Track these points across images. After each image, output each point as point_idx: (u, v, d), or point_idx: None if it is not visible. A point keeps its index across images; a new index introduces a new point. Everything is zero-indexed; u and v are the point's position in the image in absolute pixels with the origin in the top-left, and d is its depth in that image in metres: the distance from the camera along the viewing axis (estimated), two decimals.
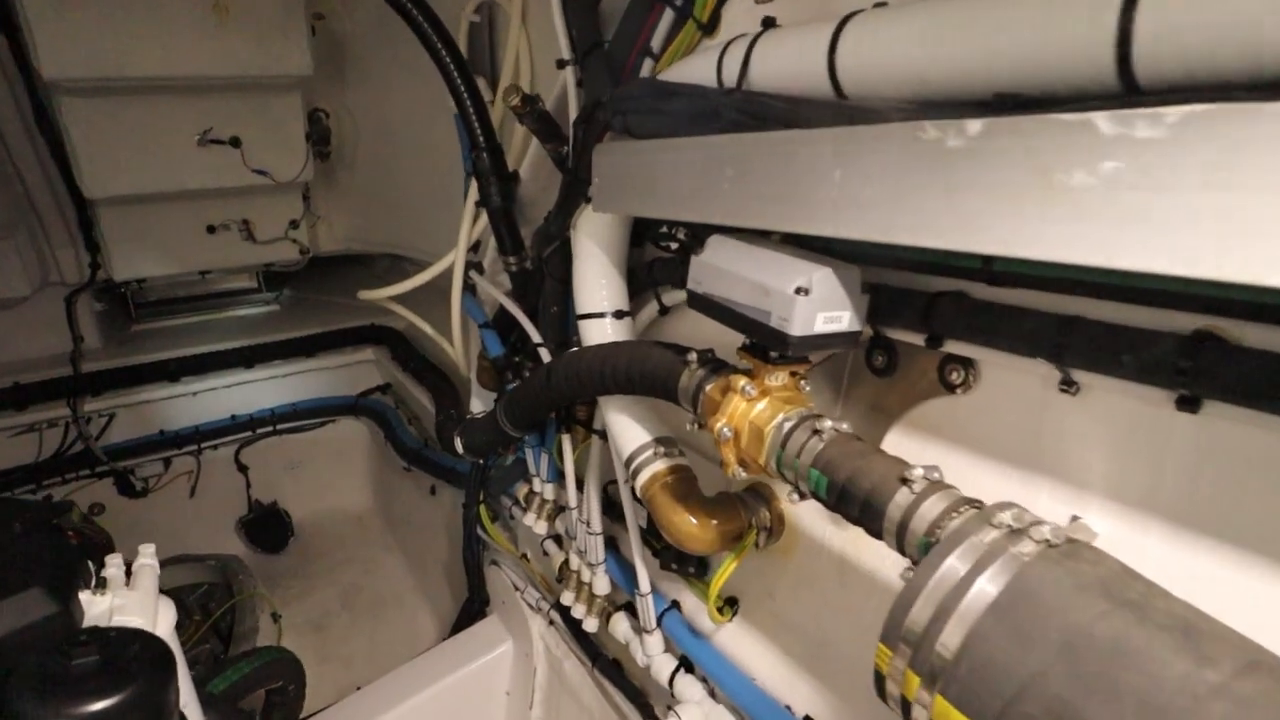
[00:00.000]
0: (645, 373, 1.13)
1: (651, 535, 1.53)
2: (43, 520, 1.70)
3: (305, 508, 3.78)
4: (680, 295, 1.40)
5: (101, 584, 1.18)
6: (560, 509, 1.93)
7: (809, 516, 1.23)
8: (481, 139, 1.80)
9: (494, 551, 2.33)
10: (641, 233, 1.45)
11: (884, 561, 1.08)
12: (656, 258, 1.43)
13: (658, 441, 1.31)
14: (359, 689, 2.10)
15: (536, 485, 1.96)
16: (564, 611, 1.86)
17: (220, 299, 4.21)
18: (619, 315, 1.40)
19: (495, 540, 2.27)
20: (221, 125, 3.06)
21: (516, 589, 2.15)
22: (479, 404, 2.31)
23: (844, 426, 0.86)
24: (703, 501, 1.24)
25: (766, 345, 0.91)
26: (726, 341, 1.21)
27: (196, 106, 2.99)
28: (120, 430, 3.39)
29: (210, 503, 3.61)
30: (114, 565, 1.30)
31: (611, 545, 1.73)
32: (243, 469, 3.65)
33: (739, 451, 0.94)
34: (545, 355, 1.73)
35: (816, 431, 0.86)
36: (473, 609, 2.38)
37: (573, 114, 1.43)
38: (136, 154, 2.97)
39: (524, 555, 2.20)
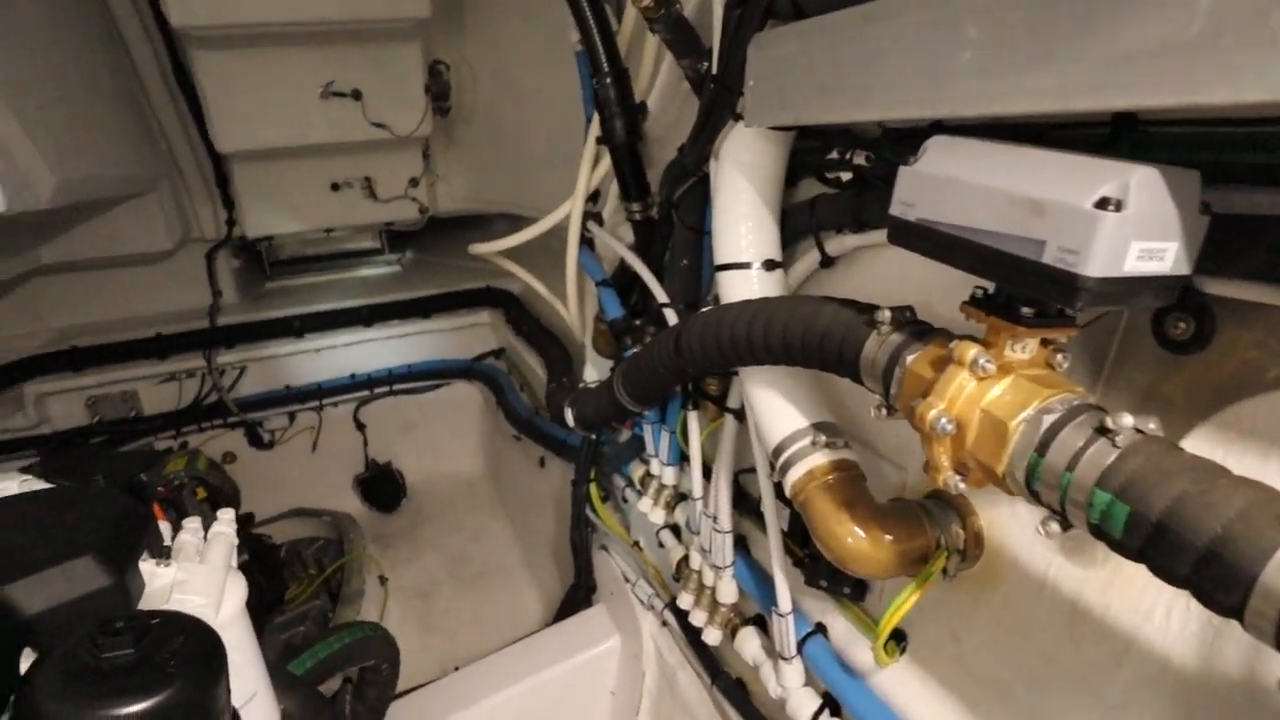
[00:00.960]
0: (811, 336, 0.84)
1: (795, 540, 1.24)
2: (127, 474, 1.63)
3: (418, 469, 3.74)
4: (850, 242, 1.10)
5: (165, 554, 1.03)
6: (681, 497, 1.68)
7: (1022, 538, 0.91)
8: (605, 62, 1.54)
9: (603, 535, 2.12)
10: (796, 169, 1.15)
11: (1163, 627, 0.75)
12: (820, 194, 1.13)
13: (816, 428, 1.02)
14: (457, 669, 1.95)
15: (655, 467, 1.71)
16: (680, 615, 1.62)
17: (346, 259, 4.24)
18: (769, 266, 1.11)
19: (605, 523, 2.06)
20: (343, 77, 2.98)
21: (627, 580, 1.93)
22: (594, 372, 2.09)
23: (1151, 426, 0.55)
24: (875, 511, 0.95)
25: (1030, 294, 0.61)
26: (923, 300, 0.91)
27: (319, 58, 2.92)
28: (250, 383, 3.44)
29: (330, 459, 3.63)
30: (189, 531, 1.16)
31: (742, 546, 1.46)
32: (360, 427, 3.65)
33: (961, 452, 0.64)
34: (672, 318, 1.47)
35: (1104, 431, 0.55)
36: (578, 595, 2.19)
37: (717, 19, 1.14)
38: (264, 108, 2.94)
39: (636, 543, 1.97)
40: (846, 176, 1.07)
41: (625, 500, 1.97)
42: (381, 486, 3.60)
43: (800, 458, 1.00)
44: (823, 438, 1.00)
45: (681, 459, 1.66)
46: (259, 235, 3.46)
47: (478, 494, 3.66)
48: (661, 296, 1.51)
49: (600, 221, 1.89)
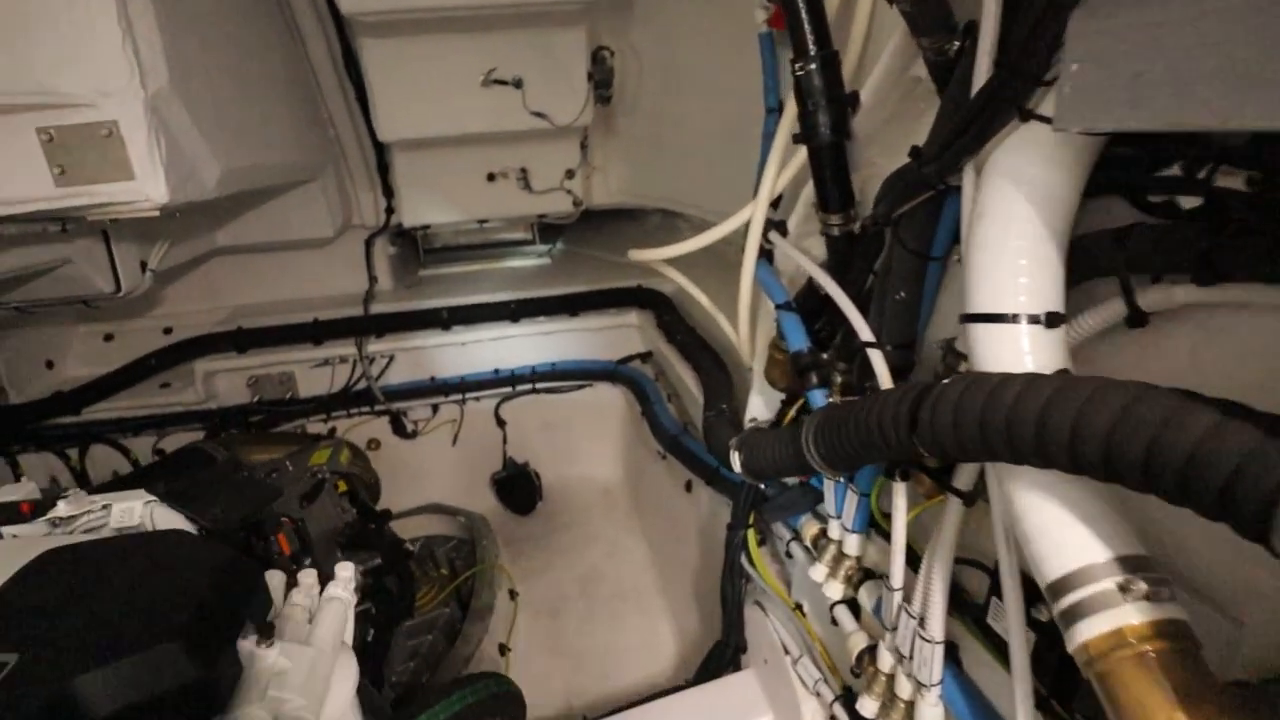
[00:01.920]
0: (1178, 455, 0.54)
1: (1044, 682, 0.93)
2: (251, 505, 1.53)
3: (555, 472, 3.63)
4: (1181, 295, 0.77)
5: (269, 632, 0.88)
6: (868, 574, 1.39)
7: None
8: (812, 43, 1.26)
9: (759, 590, 1.86)
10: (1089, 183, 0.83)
11: None
12: (1136, 224, 0.81)
13: (1124, 565, 0.71)
14: None
15: (834, 530, 1.43)
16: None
17: (497, 249, 4.20)
18: (1051, 321, 0.81)
19: (762, 576, 1.80)
20: (505, 65, 2.86)
21: (786, 652, 1.66)
22: (759, 404, 1.83)
23: None
24: (1227, 703, 0.63)
25: None
26: None
27: (482, 45, 2.81)
28: (398, 372, 3.45)
29: (469, 454, 3.59)
30: (303, 591, 1.01)
31: (953, 659, 1.16)
32: (500, 424, 3.58)
33: None
34: (878, 362, 1.18)
35: None
36: (725, 654, 1.95)
37: None
38: (426, 96, 2.87)
39: (798, 607, 1.70)
40: (1190, 203, 0.75)
41: (789, 555, 1.70)
42: (518, 487, 3.51)
43: (1100, 608, 0.70)
44: (1139, 583, 0.69)
45: (870, 527, 1.37)
46: (415, 224, 3.45)
47: (615, 505, 3.50)
48: (865, 333, 1.22)
49: (784, 232, 1.61)
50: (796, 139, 1.37)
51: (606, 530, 3.34)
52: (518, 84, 2.88)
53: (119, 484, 2.65)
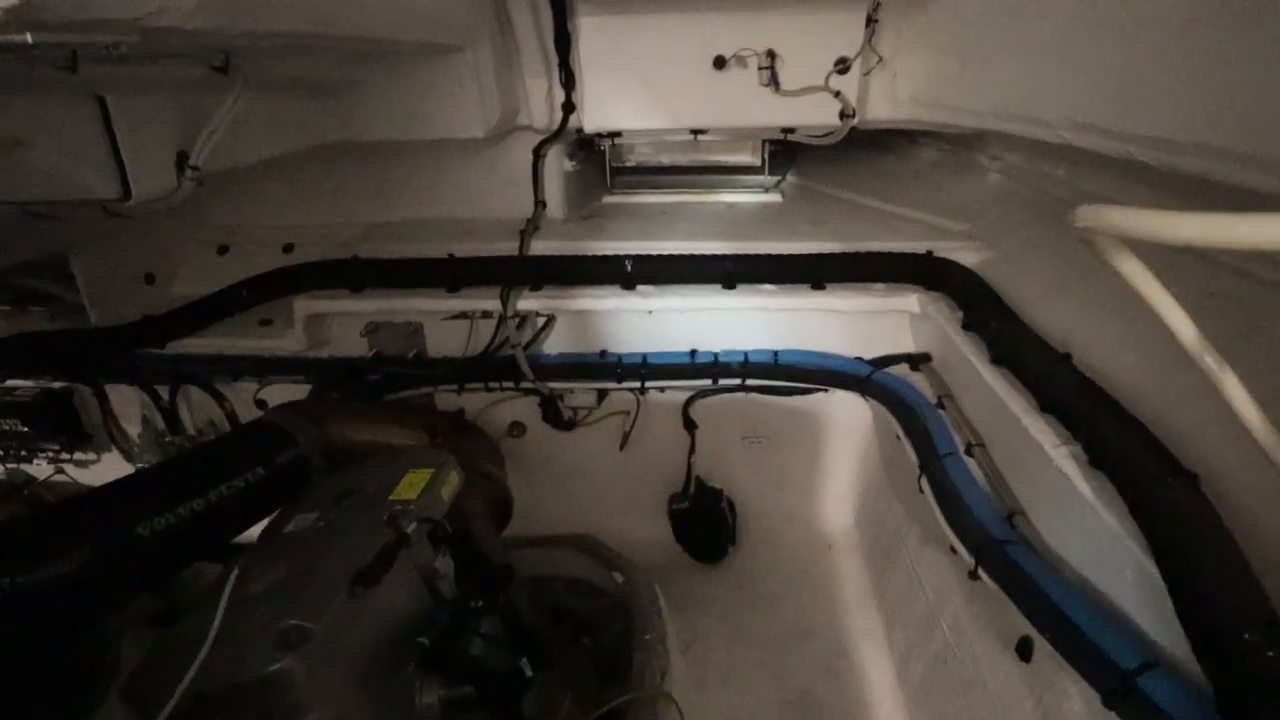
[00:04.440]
0: None
1: None
2: None
3: (758, 505, 2.53)
4: None
5: None
6: None
7: None
8: None
9: None
10: None
11: None
12: None
13: None
14: None
15: None
16: None
17: (708, 175, 3.04)
18: None
19: None
20: None
21: None
22: None
23: None
24: None
25: None
26: None
27: None
28: (558, 340, 2.46)
29: (641, 464, 2.57)
30: None
31: None
32: (690, 427, 2.51)
33: None
34: None
35: None
36: None
37: None
38: None
39: None
40: None
41: None
42: (704, 523, 2.46)
43: None
44: None
45: None
46: (602, 129, 2.39)
47: (842, 570, 2.35)
48: None
49: None
50: None
51: (826, 612, 2.20)
52: None
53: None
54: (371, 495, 1.62)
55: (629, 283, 2.29)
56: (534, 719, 1.48)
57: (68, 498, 1.71)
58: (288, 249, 2.74)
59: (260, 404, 2.61)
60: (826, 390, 2.39)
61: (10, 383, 2.81)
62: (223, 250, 2.86)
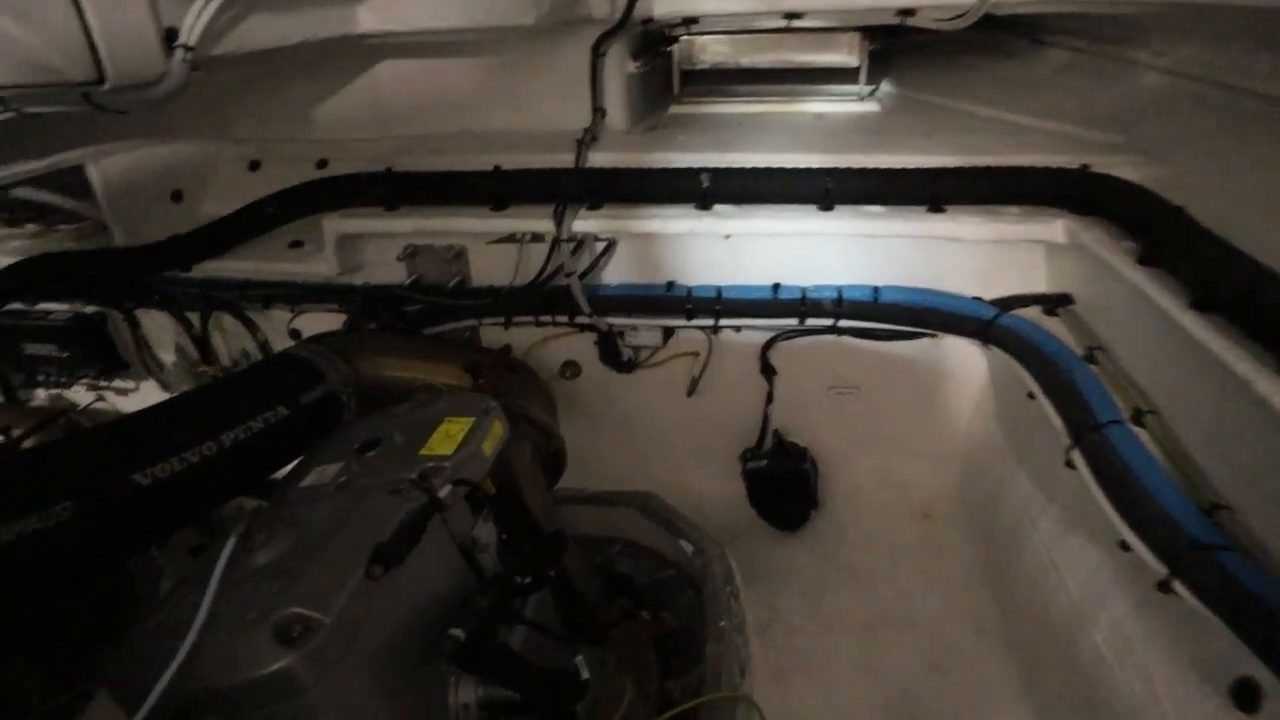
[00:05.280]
0: None
1: None
2: None
3: (845, 466, 2.21)
4: None
5: None
6: None
7: None
8: None
9: None
10: None
11: None
12: None
13: None
14: None
15: None
16: None
17: (794, 80, 2.62)
18: None
19: None
20: None
21: None
22: None
23: None
24: None
25: None
26: None
27: None
28: (618, 268, 2.13)
29: (711, 412, 2.27)
30: None
31: None
32: (769, 374, 2.18)
33: None
34: None
35: None
36: None
37: None
38: None
39: None
40: None
41: None
42: (782, 483, 2.15)
43: None
44: None
45: None
46: (673, 15, 2.01)
47: (945, 543, 2.03)
48: None
49: None
50: None
51: (928, 596, 1.89)
52: None
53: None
54: (401, 447, 1.36)
55: (705, 201, 1.94)
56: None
57: (59, 441, 1.52)
58: (321, 164, 2.47)
59: (294, 334, 2.38)
60: (935, 335, 2.02)
61: (43, 306, 2.65)
62: (254, 166, 2.61)
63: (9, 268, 2.21)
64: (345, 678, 1.01)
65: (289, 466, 1.53)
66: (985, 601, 1.81)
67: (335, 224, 2.08)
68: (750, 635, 1.56)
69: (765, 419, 2.20)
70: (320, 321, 2.31)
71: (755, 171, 1.93)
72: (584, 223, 2.00)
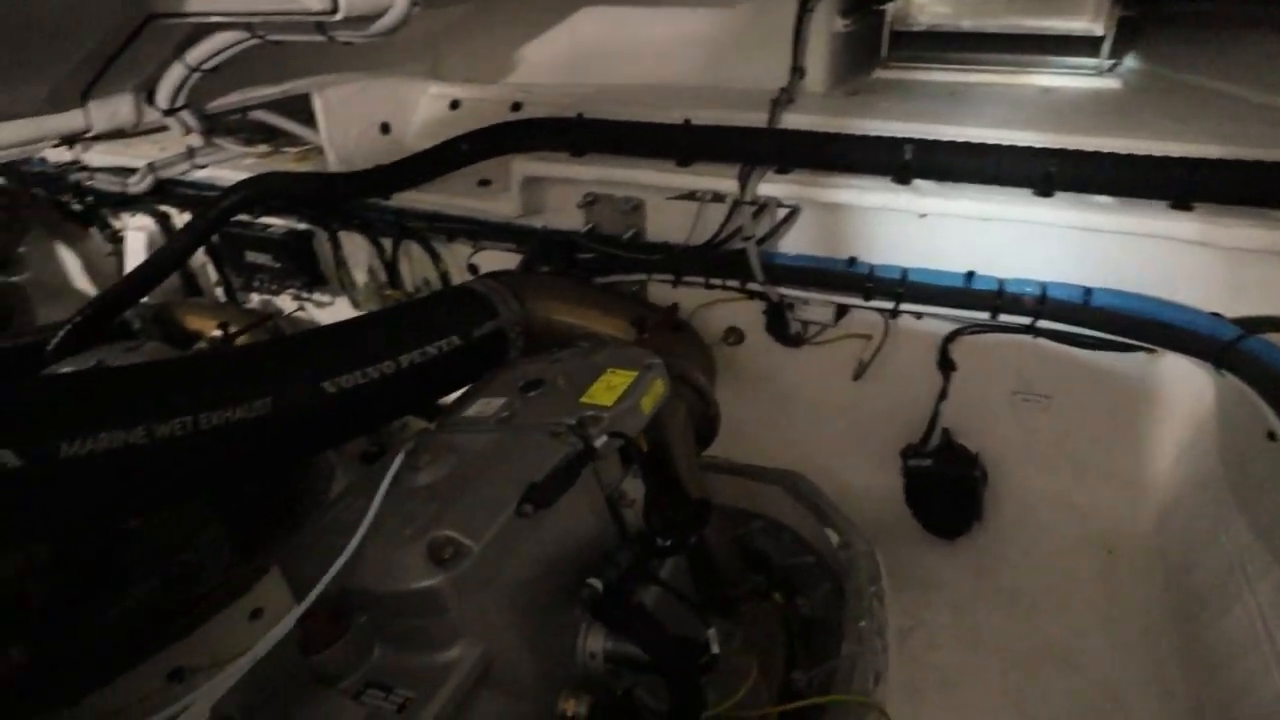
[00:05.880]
0: None
1: None
2: None
3: (1020, 481, 2.01)
4: None
5: None
6: None
7: None
8: None
9: None
10: None
11: None
12: None
13: None
14: None
15: None
16: None
17: (1021, 47, 2.36)
18: None
19: None
20: None
21: None
22: None
23: None
24: None
25: None
26: None
27: None
28: (797, 238, 2.03)
29: (875, 399, 2.13)
30: None
31: None
32: (946, 369, 2.01)
33: None
34: None
35: None
36: None
37: None
38: None
39: None
40: None
41: None
42: (945, 486, 1.99)
43: None
44: None
45: None
46: None
47: (1128, 584, 1.80)
48: None
49: None
50: None
51: (1100, 637, 1.69)
52: None
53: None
54: (563, 391, 1.36)
55: (904, 175, 1.79)
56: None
57: (261, 343, 1.68)
58: (515, 108, 2.54)
59: (472, 269, 2.49)
60: (1152, 351, 1.77)
61: (264, 220, 2.93)
62: (454, 105, 2.74)
63: (241, 182, 2.45)
64: (485, 605, 1.04)
65: (455, 394, 1.60)
66: (1169, 659, 1.59)
67: (523, 165, 2.12)
68: (890, 642, 1.46)
69: (935, 416, 2.04)
70: (497, 259, 2.39)
71: (965, 146, 1.75)
72: (770, 186, 1.91)
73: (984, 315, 1.86)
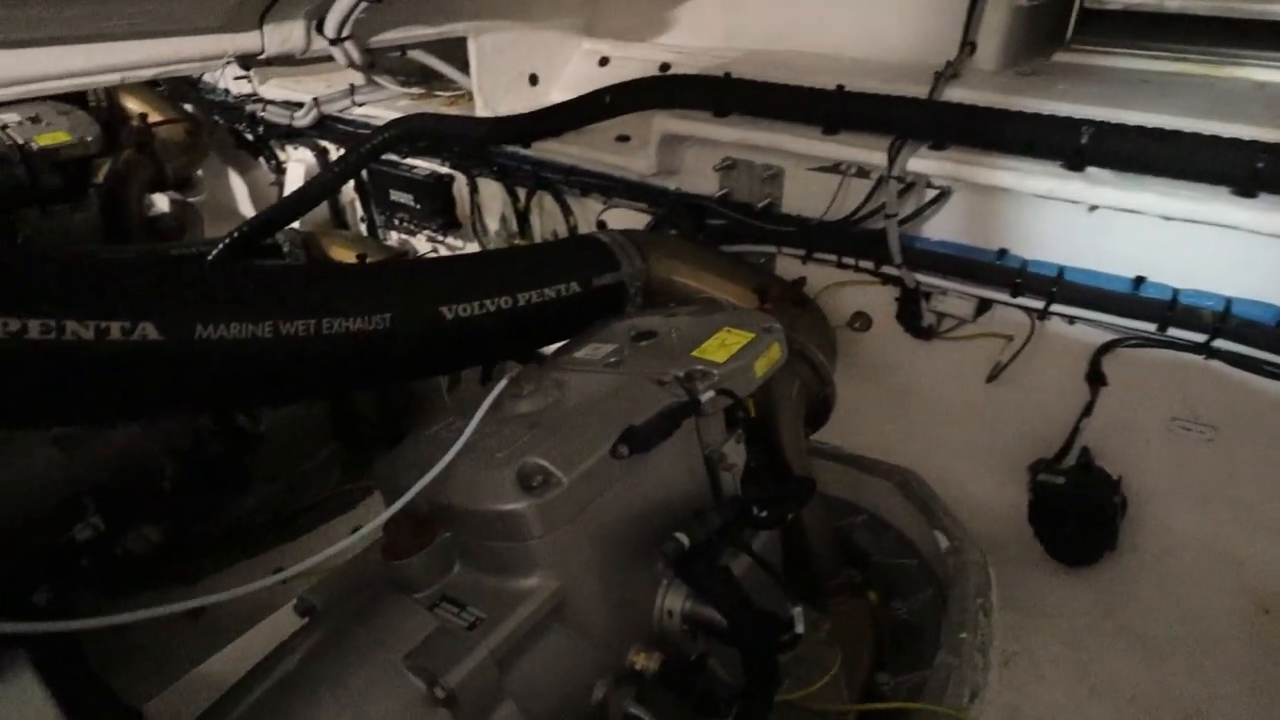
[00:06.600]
0: None
1: None
2: None
3: (1168, 517, 1.80)
4: None
5: None
6: None
7: None
8: None
9: None
10: None
11: None
12: None
13: None
14: None
15: None
16: None
17: (1238, 32, 2.07)
18: None
19: None
20: None
21: None
22: None
23: None
24: None
25: None
26: None
27: None
28: (944, 222, 1.90)
29: (1009, 406, 1.97)
30: None
31: None
32: (1096, 383, 1.82)
33: None
34: None
35: None
36: None
37: None
38: None
39: None
40: None
41: None
42: (1079, 510, 1.81)
43: None
44: None
45: None
46: None
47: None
48: None
49: None
50: None
51: (1239, 703, 1.48)
52: None
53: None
54: (674, 345, 1.32)
55: (1077, 160, 1.61)
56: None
57: (389, 262, 1.73)
58: (664, 69, 2.50)
59: (601, 225, 2.49)
60: None
61: (410, 160, 3.05)
62: (603, 62, 2.73)
63: (393, 120, 2.55)
64: (567, 541, 1.02)
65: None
66: None
67: (664, 122, 2.09)
68: (992, 661, 1.34)
69: (1075, 432, 1.85)
70: (627, 218, 2.38)
71: (1153, 132, 1.55)
72: (921, 162, 1.78)
73: (1150, 327, 1.66)
